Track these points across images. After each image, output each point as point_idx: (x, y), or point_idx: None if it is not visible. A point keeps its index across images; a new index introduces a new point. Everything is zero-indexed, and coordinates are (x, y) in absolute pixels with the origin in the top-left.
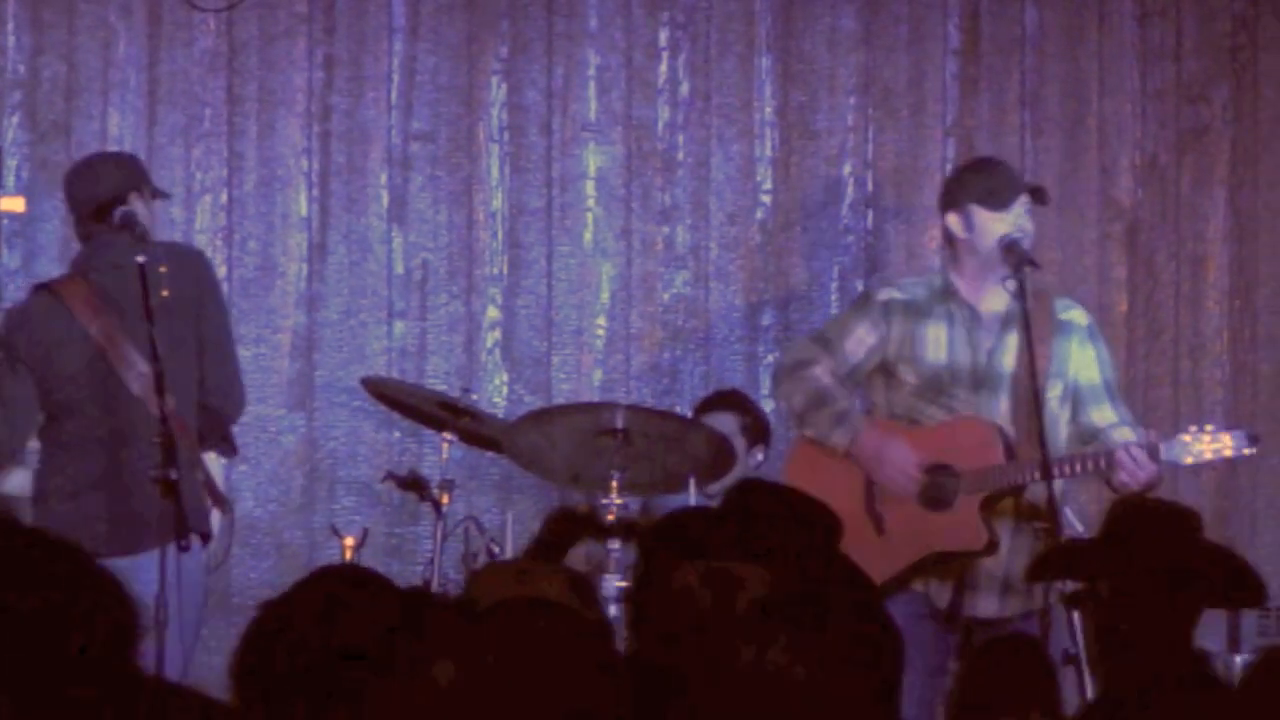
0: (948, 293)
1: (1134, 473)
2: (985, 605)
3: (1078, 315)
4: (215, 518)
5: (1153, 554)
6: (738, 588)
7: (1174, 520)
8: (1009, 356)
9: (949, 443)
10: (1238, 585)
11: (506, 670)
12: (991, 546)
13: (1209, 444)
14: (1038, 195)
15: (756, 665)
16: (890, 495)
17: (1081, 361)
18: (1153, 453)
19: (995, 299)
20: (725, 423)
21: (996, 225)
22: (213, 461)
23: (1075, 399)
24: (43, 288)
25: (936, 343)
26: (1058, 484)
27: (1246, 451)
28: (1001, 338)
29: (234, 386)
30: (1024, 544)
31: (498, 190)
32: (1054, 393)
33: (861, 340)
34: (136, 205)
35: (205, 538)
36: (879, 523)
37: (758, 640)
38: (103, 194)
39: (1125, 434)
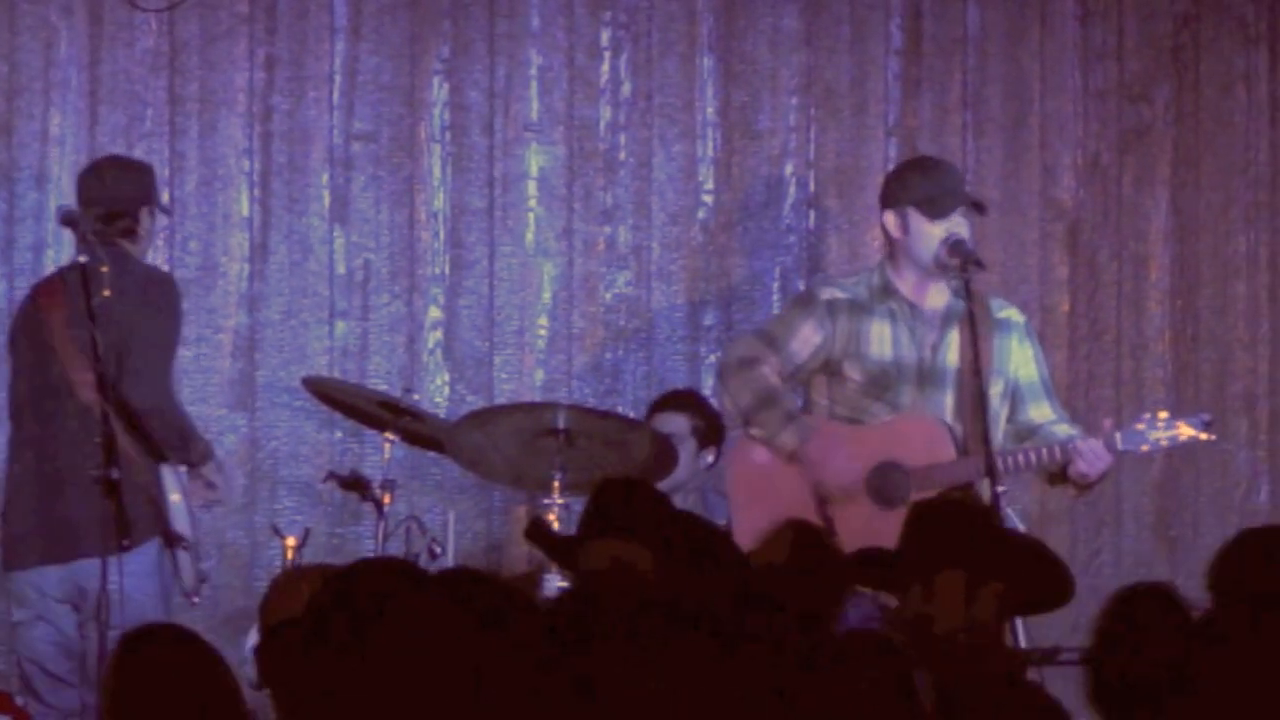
0: (887, 290)
1: (1092, 462)
2: None
3: (1013, 314)
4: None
5: (954, 554)
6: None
7: (974, 519)
8: (952, 353)
9: (898, 440)
10: (1042, 583)
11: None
12: None
13: (1164, 431)
14: (977, 208)
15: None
16: (839, 497)
17: (1021, 359)
18: (1109, 443)
19: (935, 295)
20: (677, 423)
21: (933, 232)
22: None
23: (1014, 396)
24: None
25: (881, 340)
26: (1007, 480)
27: (1203, 437)
28: (944, 334)
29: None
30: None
31: (439, 190)
32: (995, 390)
33: (807, 340)
34: (144, 220)
35: (171, 540)
36: (830, 525)
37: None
38: (119, 201)
39: (1065, 429)
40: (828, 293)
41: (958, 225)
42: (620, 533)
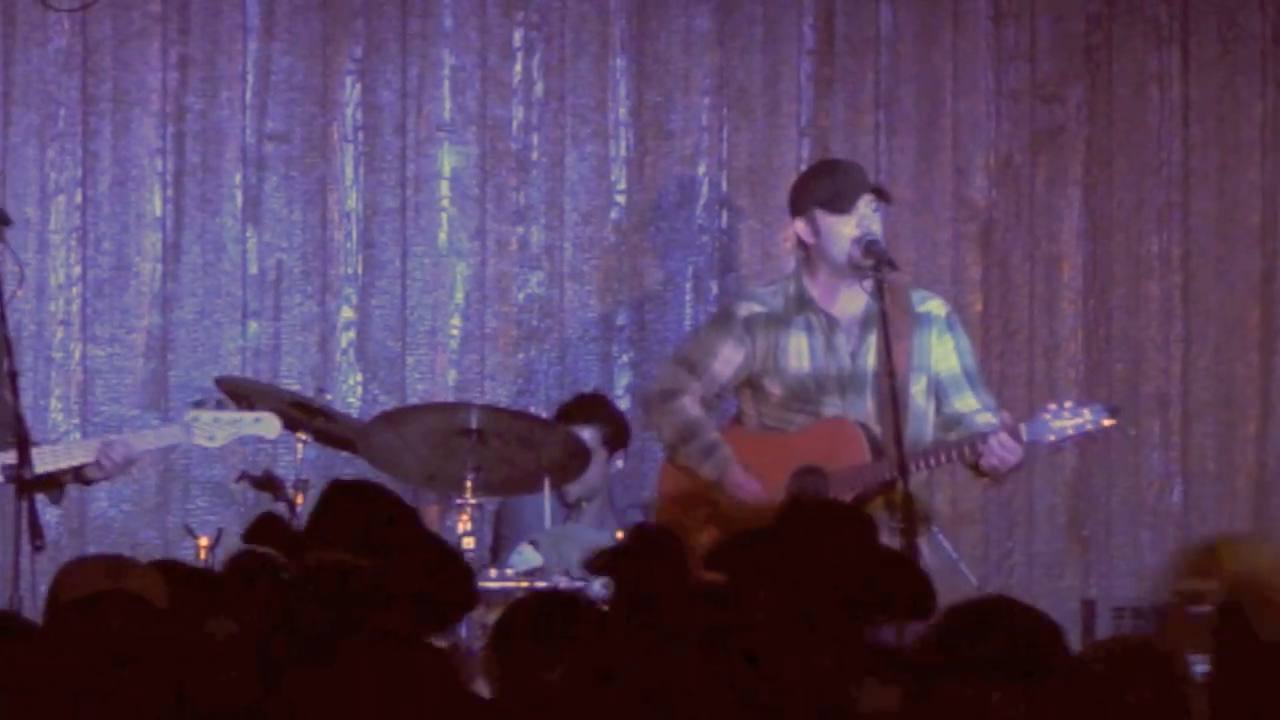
0: (803, 301)
1: (1002, 456)
2: None
3: (935, 306)
4: None
5: (826, 555)
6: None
7: (849, 524)
8: (873, 357)
9: (816, 445)
10: (906, 595)
11: (80, 666)
12: None
13: (1069, 419)
14: (881, 194)
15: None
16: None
17: (941, 352)
18: (1015, 434)
19: (852, 301)
20: (585, 436)
21: (842, 229)
22: None
23: (938, 389)
24: None
25: (799, 353)
26: (925, 477)
27: (1106, 423)
28: (863, 339)
29: None
30: (898, 540)
31: (352, 190)
32: (918, 387)
33: (728, 360)
34: None
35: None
36: None
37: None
38: None
39: (988, 419)
40: (744, 309)
41: (866, 217)
42: (344, 538)
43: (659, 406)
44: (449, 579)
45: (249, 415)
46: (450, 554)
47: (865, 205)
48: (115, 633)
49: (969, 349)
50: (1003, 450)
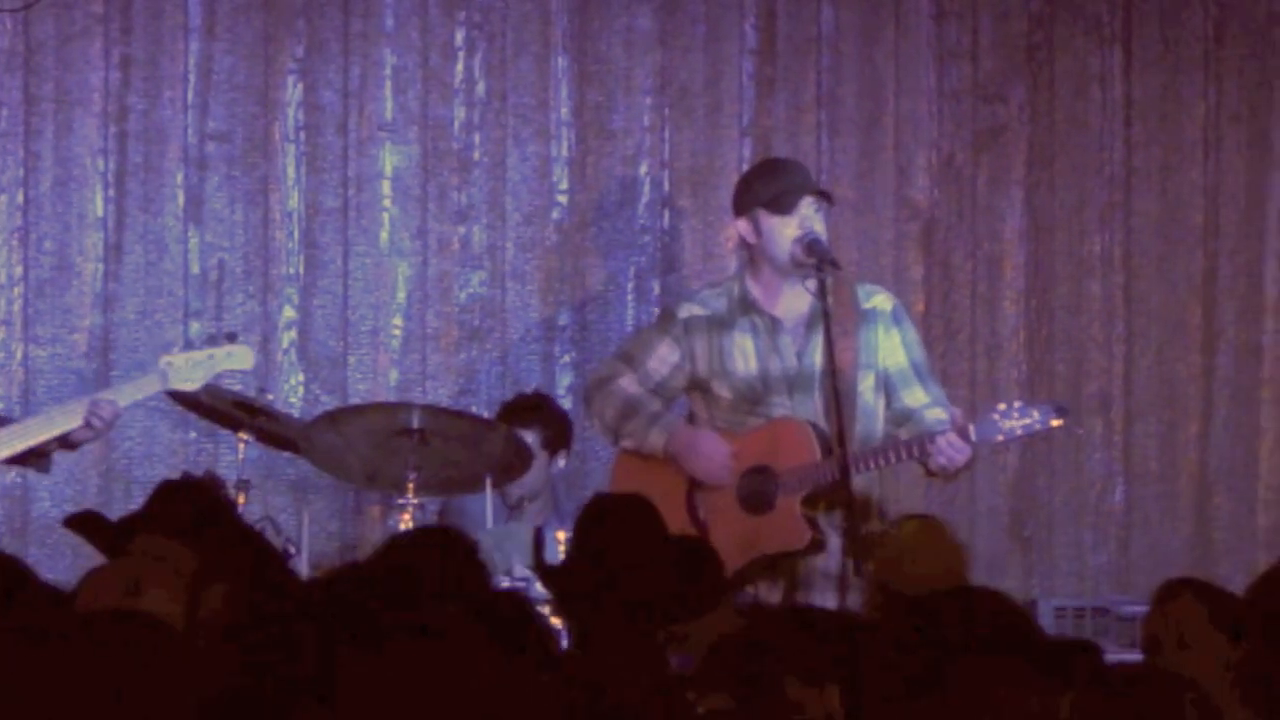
0: (746, 302)
1: (951, 456)
2: (822, 603)
3: (881, 301)
4: None
5: (616, 551)
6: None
7: (636, 516)
8: (818, 355)
9: (765, 445)
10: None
11: (89, 685)
12: (815, 545)
13: (1018, 420)
14: (823, 196)
15: None
16: (713, 504)
17: (888, 348)
18: (963, 434)
19: (796, 300)
20: (531, 439)
21: (784, 230)
22: None
23: (887, 385)
24: None
25: (744, 355)
26: (874, 476)
27: (1054, 423)
28: (809, 339)
29: None
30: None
31: (294, 190)
32: (866, 384)
33: (664, 359)
34: None
35: None
36: (704, 532)
37: None
38: None
39: (938, 414)
40: (686, 310)
41: (808, 219)
42: (167, 530)
43: (596, 392)
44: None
45: (221, 350)
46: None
47: (807, 206)
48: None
49: (916, 341)
50: (951, 450)
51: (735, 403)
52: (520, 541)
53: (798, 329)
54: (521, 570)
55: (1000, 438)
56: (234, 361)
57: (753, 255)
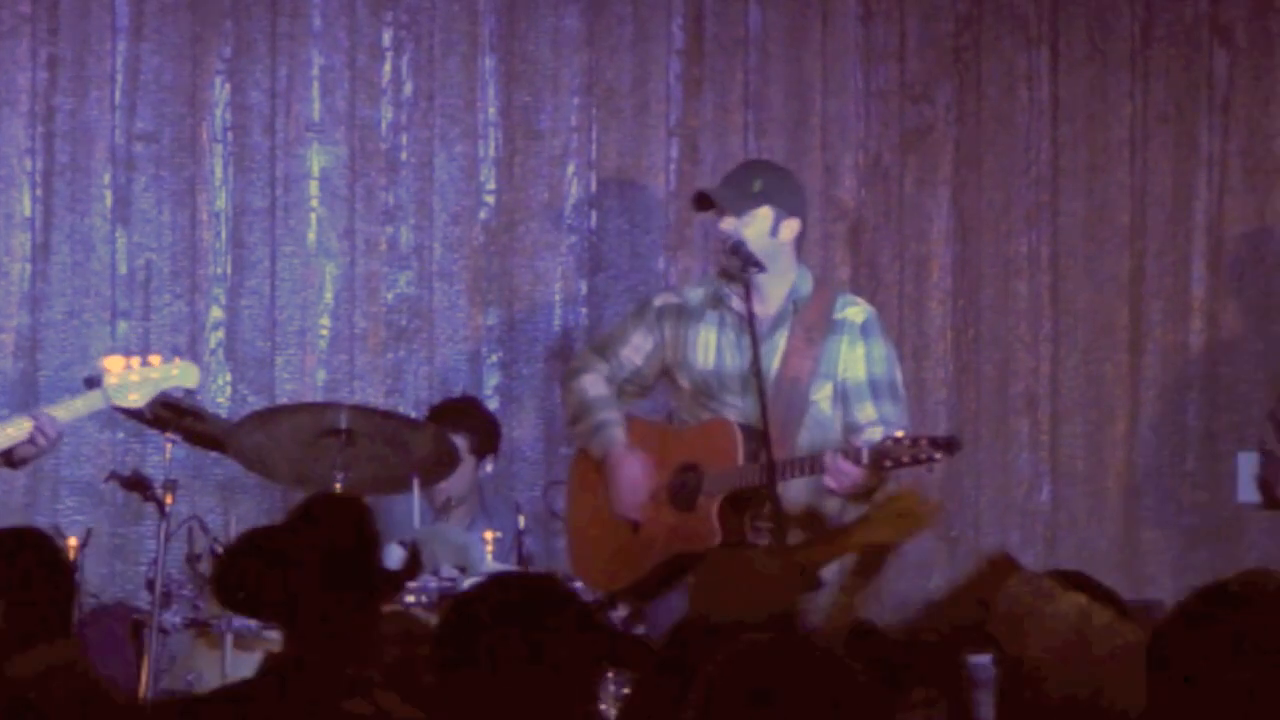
0: (718, 297)
1: (839, 479)
2: None
3: (854, 313)
4: None
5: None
6: None
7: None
8: (776, 358)
9: (699, 444)
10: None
11: None
12: (788, 567)
13: (907, 449)
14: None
15: None
16: (650, 495)
17: (850, 360)
18: (855, 458)
19: (768, 303)
20: (459, 444)
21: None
22: None
23: (843, 397)
24: None
25: (705, 348)
26: (813, 482)
27: (938, 456)
28: (770, 340)
29: None
30: (765, 540)
31: (221, 190)
32: (823, 394)
33: (638, 347)
34: None
35: None
36: (635, 525)
37: None
38: None
39: (877, 433)
40: (661, 299)
41: (727, 223)
42: None
43: (564, 385)
44: None
45: (167, 366)
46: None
47: (728, 218)
48: None
49: (883, 358)
50: (838, 471)
51: (693, 394)
52: (447, 542)
53: (763, 326)
54: (449, 571)
55: (888, 463)
56: (180, 379)
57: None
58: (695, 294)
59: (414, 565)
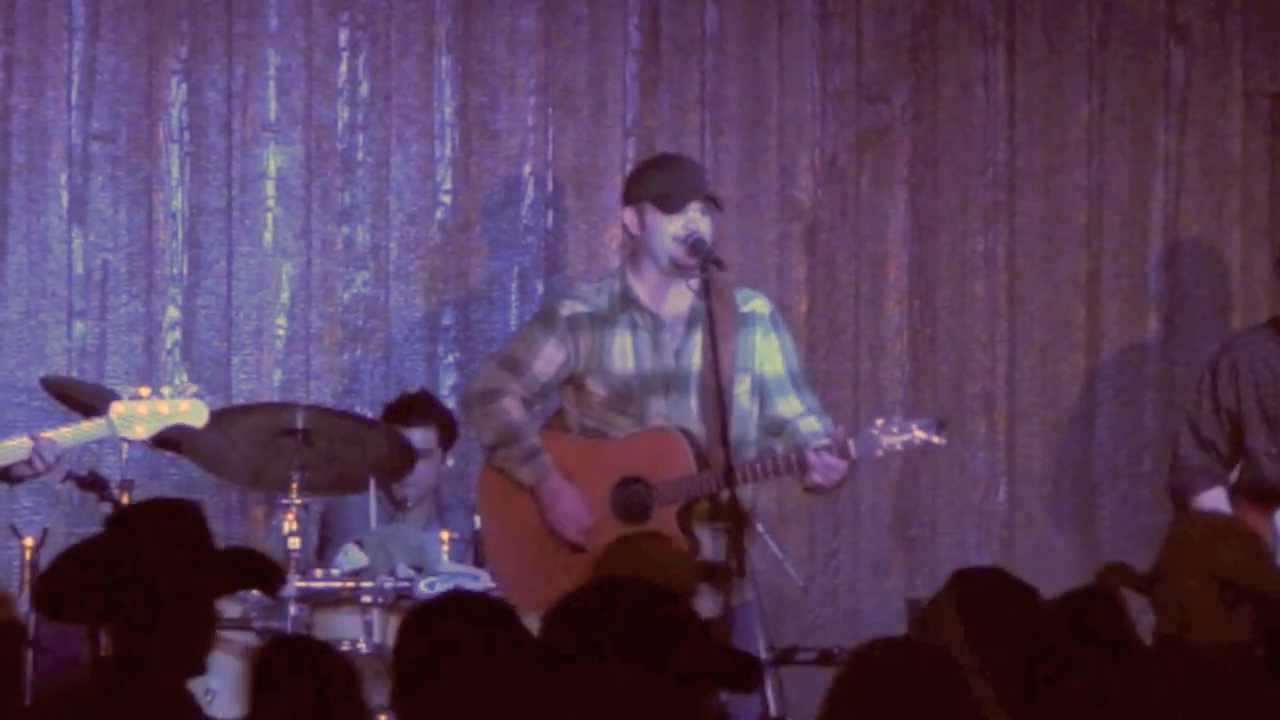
0: (628, 299)
1: (826, 473)
2: (703, 607)
3: (759, 305)
4: None
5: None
6: None
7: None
8: (697, 356)
9: (640, 455)
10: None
11: None
12: (693, 553)
13: (898, 435)
14: (711, 202)
15: None
16: (575, 539)
17: (766, 353)
18: (843, 451)
19: (677, 299)
20: (428, 438)
21: (668, 228)
22: None
23: (762, 391)
24: None
25: (623, 353)
26: (752, 486)
27: (936, 440)
28: (687, 338)
29: None
30: (724, 542)
31: (178, 190)
32: (743, 388)
33: (550, 359)
34: None
35: None
36: (577, 543)
37: None
38: None
39: (812, 424)
40: (568, 308)
41: (694, 220)
42: None
43: (479, 407)
44: None
45: (176, 403)
46: None
47: (694, 209)
48: None
49: (793, 349)
50: (828, 469)
51: (609, 400)
52: (403, 542)
53: (677, 327)
54: (405, 571)
55: (880, 453)
56: (187, 417)
57: (635, 248)
58: (599, 298)
59: (272, 570)
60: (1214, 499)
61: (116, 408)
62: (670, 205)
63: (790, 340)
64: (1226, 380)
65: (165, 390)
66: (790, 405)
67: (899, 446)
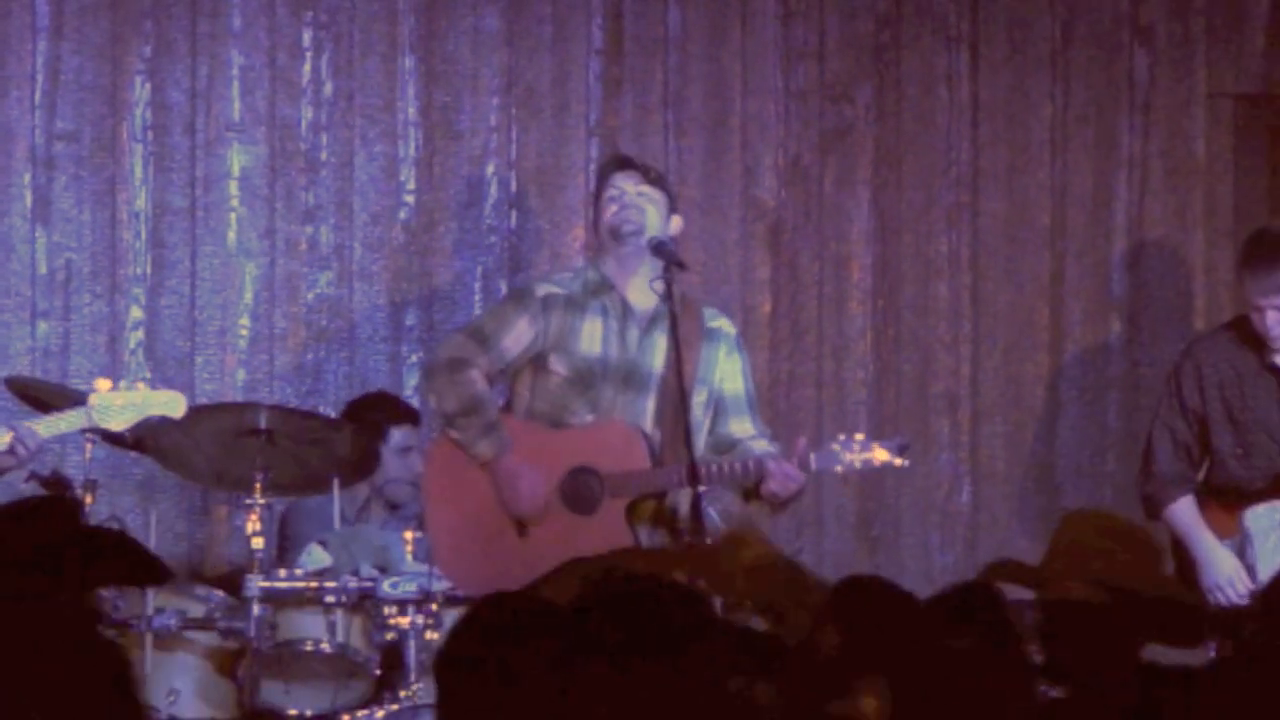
0: (602, 285)
1: (784, 483)
2: None
3: (725, 324)
4: None
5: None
6: None
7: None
8: (658, 356)
9: (593, 445)
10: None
11: None
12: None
13: (859, 454)
14: (642, 172)
15: None
16: (529, 518)
17: (727, 370)
18: (803, 463)
19: (643, 295)
20: (408, 436)
21: (600, 200)
22: None
23: (717, 408)
24: None
25: (591, 336)
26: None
27: (898, 463)
28: (650, 335)
29: None
30: (661, 545)
31: (141, 190)
32: (699, 399)
33: (519, 337)
34: None
35: None
36: (521, 526)
37: None
38: None
39: (764, 445)
40: (542, 289)
41: (622, 191)
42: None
43: (445, 374)
44: None
45: (153, 394)
46: None
47: (623, 180)
48: None
49: (751, 373)
50: (784, 478)
51: (569, 381)
52: (367, 543)
53: (643, 321)
54: (369, 571)
55: (839, 469)
56: (165, 409)
57: (602, 240)
58: (574, 284)
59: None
60: (1186, 505)
61: (95, 398)
62: (601, 181)
63: (749, 365)
64: (1191, 382)
65: (140, 385)
66: (744, 427)
67: (858, 465)
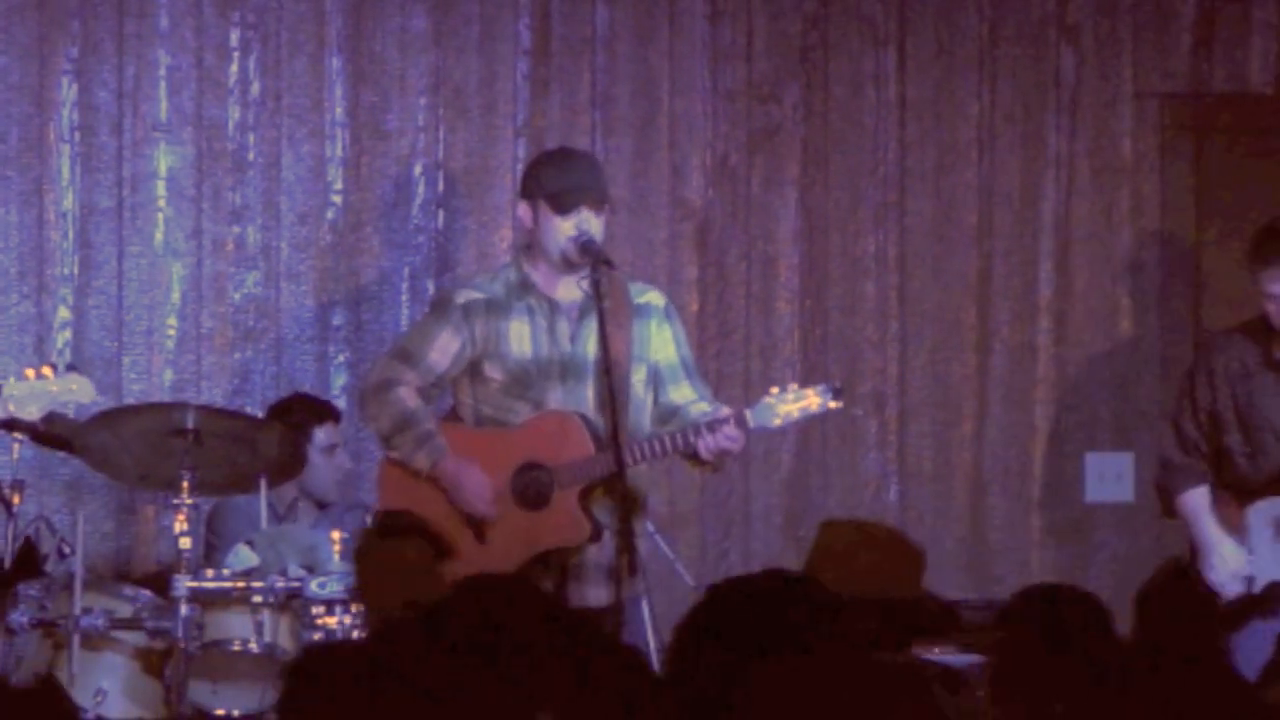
0: (525, 285)
1: (722, 444)
2: (595, 595)
3: (654, 297)
4: None
5: None
6: None
7: None
8: (591, 344)
9: (537, 440)
10: None
11: None
12: (596, 536)
13: (794, 402)
14: (603, 204)
15: None
16: (483, 516)
17: (660, 342)
18: (740, 421)
19: (571, 288)
20: (332, 434)
21: (560, 228)
22: None
23: (655, 379)
24: None
25: (520, 338)
26: (644, 472)
27: (832, 405)
28: (581, 326)
29: None
30: (615, 541)
31: (68, 190)
32: (638, 377)
33: (445, 349)
34: None
35: None
36: (479, 531)
37: None
38: None
39: (704, 408)
40: (463, 295)
41: (585, 221)
42: None
43: (375, 397)
44: None
45: (61, 380)
46: None
47: (586, 211)
48: None
49: (685, 339)
50: (724, 439)
51: (506, 385)
52: (294, 542)
53: (572, 313)
54: (296, 571)
55: (777, 421)
56: (75, 394)
57: (530, 240)
58: (495, 285)
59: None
60: (1197, 496)
61: (7, 388)
62: (562, 206)
63: (683, 331)
64: (1204, 382)
65: (47, 370)
66: (682, 393)
67: (796, 414)
